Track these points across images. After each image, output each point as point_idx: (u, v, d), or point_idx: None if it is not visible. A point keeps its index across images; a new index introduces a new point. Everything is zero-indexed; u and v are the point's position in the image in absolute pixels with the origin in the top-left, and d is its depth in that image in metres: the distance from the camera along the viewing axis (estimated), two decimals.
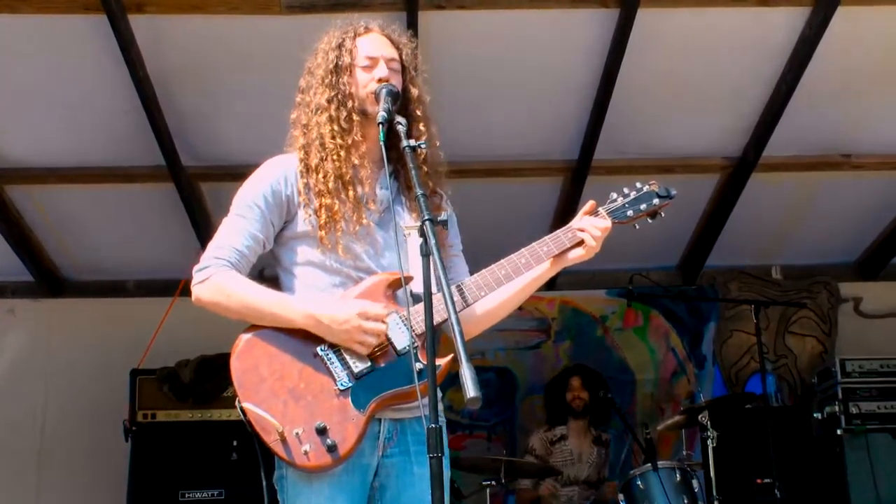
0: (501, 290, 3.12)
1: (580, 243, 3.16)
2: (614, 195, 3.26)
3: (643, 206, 3.25)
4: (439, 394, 2.78)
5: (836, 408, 7.12)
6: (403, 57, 3.22)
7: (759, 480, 6.61)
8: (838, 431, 7.06)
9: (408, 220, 3.12)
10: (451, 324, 2.58)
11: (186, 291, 7.12)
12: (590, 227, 3.14)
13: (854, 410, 7.08)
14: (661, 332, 8.14)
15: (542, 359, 8.02)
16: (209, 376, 6.90)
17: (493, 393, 7.66)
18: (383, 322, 2.96)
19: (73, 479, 7.34)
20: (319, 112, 3.13)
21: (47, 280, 7.74)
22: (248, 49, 5.86)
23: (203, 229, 6.92)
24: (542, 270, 3.18)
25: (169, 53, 5.87)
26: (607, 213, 3.21)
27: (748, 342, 7.93)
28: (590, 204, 3.21)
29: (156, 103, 6.05)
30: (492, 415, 7.74)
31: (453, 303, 2.64)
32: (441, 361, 2.87)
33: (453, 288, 2.89)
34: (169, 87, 6.06)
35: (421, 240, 2.78)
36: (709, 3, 5.75)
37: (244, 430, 2.92)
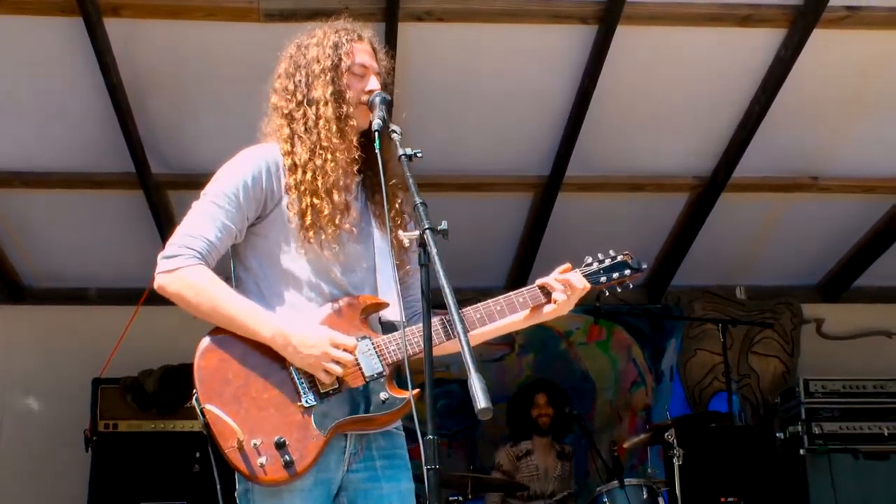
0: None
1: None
2: (589, 259, 3.28)
3: (615, 275, 3.29)
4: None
5: (799, 428, 7.18)
6: (381, 71, 3.18)
7: (723, 499, 6.63)
8: (801, 451, 7.12)
9: (378, 234, 3.06)
10: (458, 334, 2.56)
11: (151, 300, 7.03)
12: (567, 288, 3.14)
13: (817, 431, 7.15)
14: (623, 345, 8.19)
15: (505, 370, 8.05)
16: (173, 386, 6.82)
17: (456, 403, 7.66)
18: (352, 353, 2.88)
19: (31, 489, 7.20)
20: (313, 105, 3.04)
21: (7, 286, 7.61)
22: (225, 57, 5.81)
23: (169, 238, 6.81)
24: (515, 320, 3.18)
25: (144, 59, 5.81)
26: (584, 277, 3.22)
27: (712, 361, 8.00)
28: (565, 266, 3.21)
29: (128, 109, 5.98)
30: (453, 424, 7.74)
31: (459, 313, 2.62)
32: (409, 395, 2.84)
33: (420, 325, 2.82)
34: (142, 93, 5.99)
35: (417, 251, 2.73)
36: (687, 23, 5.78)
37: (207, 442, 2.84)
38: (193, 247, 2.88)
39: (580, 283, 3.17)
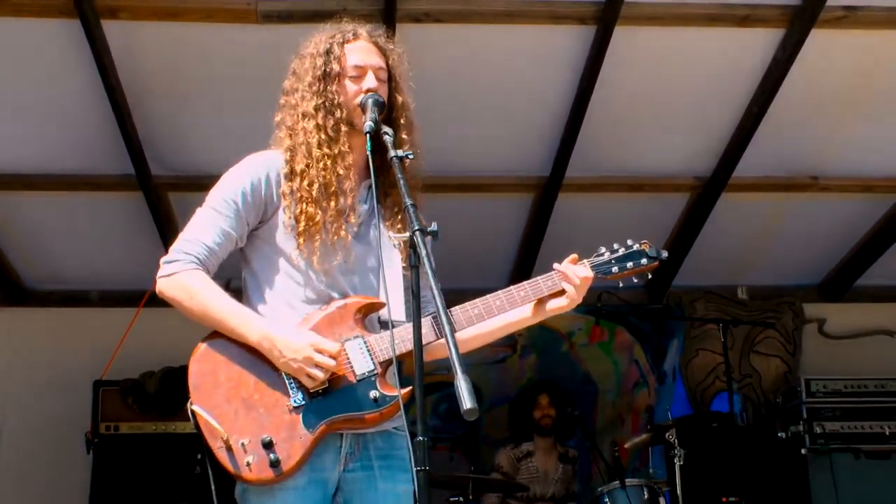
0: (469, 329, 3.07)
1: (560, 292, 3.08)
2: (602, 249, 3.19)
3: (630, 265, 3.18)
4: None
5: (801, 427, 7.17)
6: (390, 63, 3.18)
7: (724, 499, 6.62)
8: (803, 451, 7.12)
9: (387, 234, 3.04)
10: (445, 335, 2.55)
11: (152, 302, 7.03)
12: (571, 275, 3.07)
13: (818, 430, 7.14)
14: (625, 346, 8.19)
15: (507, 372, 8.05)
16: (174, 388, 6.82)
17: (457, 406, 7.63)
18: (335, 359, 2.88)
19: (32, 492, 7.21)
20: (306, 118, 3.07)
21: (8, 288, 7.62)
22: (223, 58, 5.80)
23: (170, 240, 6.79)
24: (520, 317, 3.13)
25: (142, 60, 5.81)
26: (591, 266, 3.14)
27: (713, 361, 7.98)
28: (571, 257, 3.14)
29: (127, 111, 5.98)
30: (455, 427, 7.72)
31: (447, 315, 2.62)
32: (403, 391, 2.84)
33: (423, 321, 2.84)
34: (141, 95, 5.99)
35: (407, 252, 2.74)
36: (685, 23, 5.77)
37: (203, 444, 2.89)
38: (191, 252, 2.95)
39: (584, 271, 3.09)
